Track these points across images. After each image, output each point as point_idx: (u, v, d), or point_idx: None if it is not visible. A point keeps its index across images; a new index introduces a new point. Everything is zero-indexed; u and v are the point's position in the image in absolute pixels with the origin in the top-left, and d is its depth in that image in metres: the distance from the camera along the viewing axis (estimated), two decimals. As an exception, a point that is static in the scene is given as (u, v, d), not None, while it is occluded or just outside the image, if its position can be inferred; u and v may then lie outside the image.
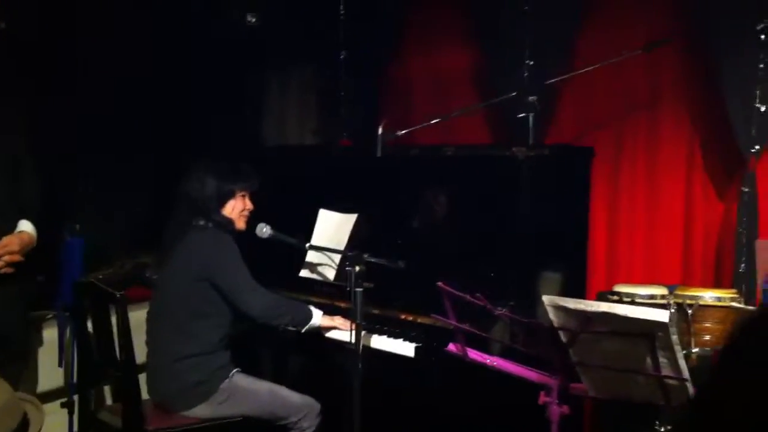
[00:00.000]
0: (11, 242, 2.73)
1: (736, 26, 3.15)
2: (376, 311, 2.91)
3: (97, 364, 2.84)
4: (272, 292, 2.89)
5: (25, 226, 2.81)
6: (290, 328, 2.87)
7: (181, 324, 2.78)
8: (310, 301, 3.16)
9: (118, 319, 2.67)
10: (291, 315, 2.86)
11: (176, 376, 2.75)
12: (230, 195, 2.89)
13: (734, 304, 2.69)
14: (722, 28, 3.20)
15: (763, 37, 3.08)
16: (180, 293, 2.79)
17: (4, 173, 2.80)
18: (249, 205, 2.96)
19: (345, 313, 2.85)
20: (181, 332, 2.77)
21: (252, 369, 2.97)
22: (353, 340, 2.57)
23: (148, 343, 2.88)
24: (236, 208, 2.91)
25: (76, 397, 3.02)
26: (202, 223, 2.84)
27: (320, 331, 2.92)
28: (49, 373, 3.10)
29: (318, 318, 2.89)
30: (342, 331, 2.87)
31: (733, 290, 2.86)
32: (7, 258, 2.72)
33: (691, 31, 3.36)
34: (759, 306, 2.79)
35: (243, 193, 2.93)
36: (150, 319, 2.90)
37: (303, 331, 2.88)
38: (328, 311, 3.11)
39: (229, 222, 2.89)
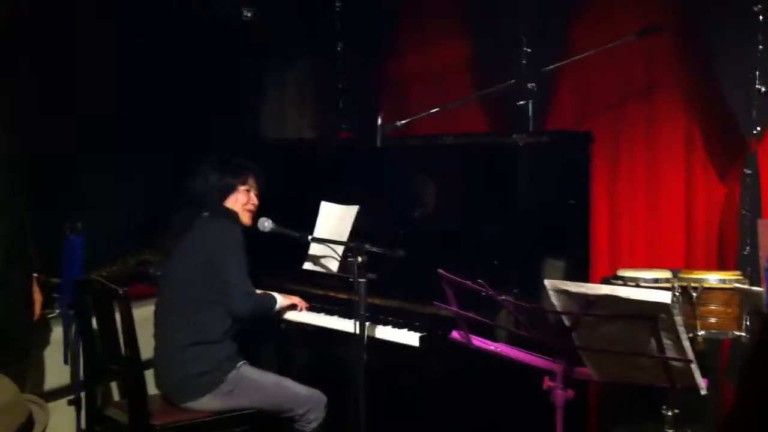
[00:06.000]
0: None
1: (733, 8, 3.14)
2: (379, 302, 2.91)
3: (102, 360, 2.85)
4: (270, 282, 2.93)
5: None
6: None
7: (188, 313, 2.80)
8: (314, 293, 3.18)
9: (121, 316, 2.67)
10: (265, 309, 2.96)
11: (183, 366, 2.76)
12: (232, 188, 2.96)
13: (739, 285, 2.68)
14: (719, 10, 3.19)
15: (761, 17, 3.07)
16: (186, 281, 2.82)
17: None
18: (254, 199, 3.02)
19: (350, 305, 2.85)
20: (188, 322, 2.79)
21: (256, 363, 2.97)
22: (357, 331, 2.57)
23: (155, 335, 2.89)
24: (239, 202, 2.97)
25: (83, 394, 3.03)
26: (206, 214, 2.88)
27: (281, 311, 3.05)
28: (56, 371, 3.10)
29: (279, 300, 3.00)
30: (299, 310, 3.08)
31: (738, 272, 2.85)
32: None
33: (688, 14, 3.35)
34: None
35: (246, 187, 2.98)
36: (157, 311, 2.92)
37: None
38: (331, 303, 3.12)
39: (234, 213, 2.93)
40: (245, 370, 2.84)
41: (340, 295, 3.08)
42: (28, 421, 1.62)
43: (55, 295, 3.13)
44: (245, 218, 2.98)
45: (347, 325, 2.86)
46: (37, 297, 2.95)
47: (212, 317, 2.80)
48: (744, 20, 3.09)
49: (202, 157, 2.99)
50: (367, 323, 2.65)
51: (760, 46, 3.07)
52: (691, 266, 3.25)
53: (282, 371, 3.07)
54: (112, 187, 3.66)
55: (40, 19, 3.27)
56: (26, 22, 3.19)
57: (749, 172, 3.14)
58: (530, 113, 3.17)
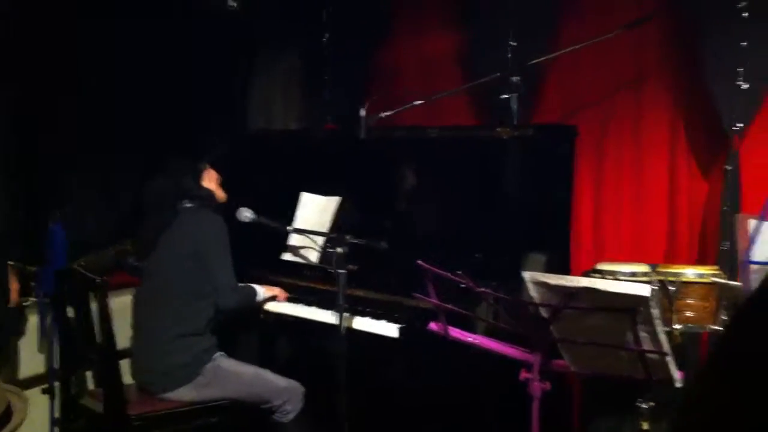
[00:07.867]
0: None
1: (718, 4, 3.15)
2: (360, 293, 2.90)
3: (78, 349, 2.82)
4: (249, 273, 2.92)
5: None
6: None
7: (172, 304, 2.79)
8: (294, 284, 3.16)
9: (98, 305, 2.65)
10: (249, 302, 2.98)
11: (163, 357, 2.75)
12: (202, 170, 3.00)
13: (716, 280, 2.69)
14: (704, 7, 3.19)
15: (745, 14, 3.08)
16: (171, 273, 2.81)
17: None
18: (215, 173, 3.06)
19: (330, 296, 2.84)
20: (173, 313, 2.78)
21: (237, 354, 2.96)
22: (338, 323, 2.56)
23: (134, 326, 2.87)
24: (211, 178, 3.02)
25: (56, 384, 3.00)
26: (189, 204, 2.87)
27: (262, 302, 3.06)
28: (31, 360, 3.07)
29: (260, 292, 3.02)
30: (281, 301, 3.10)
31: (716, 267, 2.85)
32: None
33: (674, 10, 3.35)
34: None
35: (207, 164, 3.04)
36: (138, 303, 2.90)
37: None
38: (311, 294, 3.11)
39: (211, 195, 2.95)
40: (222, 362, 2.82)
41: (320, 286, 3.07)
42: (6, 410, 1.61)
43: (32, 284, 3.09)
44: (220, 193, 3.02)
45: (326, 316, 2.86)
46: (14, 285, 2.92)
47: (196, 309, 2.79)
48: (729, 17, 3.10)
49: (163, 164, 3.01)
50: (347, 314, 2.65)
51: (744, 43, 3.08)
52: (674, 260, 3.26)
53: (262, 362, 3.05)
54: (95, 179, 3.63)
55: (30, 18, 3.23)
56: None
57: (730, 168, 3.15)
58: (515, 107, 3.17)
